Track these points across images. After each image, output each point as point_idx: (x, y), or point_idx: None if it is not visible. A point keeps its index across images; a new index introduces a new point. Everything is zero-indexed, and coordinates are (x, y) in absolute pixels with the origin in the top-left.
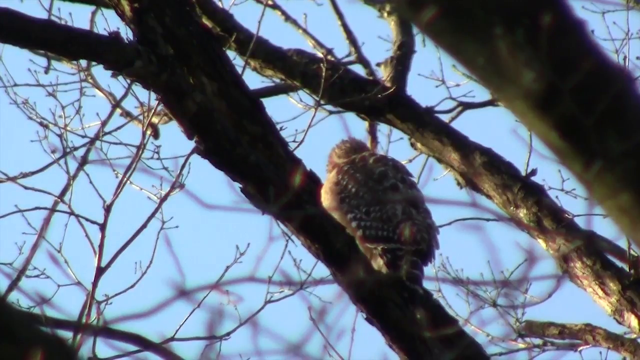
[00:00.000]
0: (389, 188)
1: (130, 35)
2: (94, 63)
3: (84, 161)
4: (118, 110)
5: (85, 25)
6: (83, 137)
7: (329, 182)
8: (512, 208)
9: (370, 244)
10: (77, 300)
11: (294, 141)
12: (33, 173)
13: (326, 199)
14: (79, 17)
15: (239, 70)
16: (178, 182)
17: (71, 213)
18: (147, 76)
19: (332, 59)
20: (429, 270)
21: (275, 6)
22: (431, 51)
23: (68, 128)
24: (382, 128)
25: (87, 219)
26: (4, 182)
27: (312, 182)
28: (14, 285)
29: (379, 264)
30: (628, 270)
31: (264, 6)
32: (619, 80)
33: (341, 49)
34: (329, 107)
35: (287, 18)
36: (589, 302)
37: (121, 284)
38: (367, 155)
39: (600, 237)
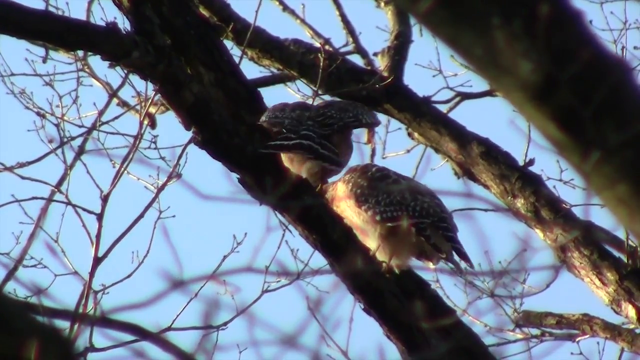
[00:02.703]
0: (391, 183)
1: (128, 26)
2: (91, 53)
3: (81, 151)
4: (115, 100)
5: (83, 16)
6: (80, 126)
7: (341, 194)
8: (509, 198)
9: (392, 223)
10: (74, 290)
11: None
12: (30, 163)
13: (347, 207)
14: (76, 8)
15: (237, 60)
16: (175, 172)
17: (68, 203)
18: (145, 67)
19: (330, 48)
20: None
21: None
22: (428, 41)
23: (65, 118)
24: (380, 118)
25: (84, 209)
26: (1, 172)
27: None
28: (11, 275)
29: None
30: (626, 261)
31: None
32: (617, 71)
33: (339, 39)
34: (327, 97)
35: (285, 8)
36: (586, 292)
37: (118, 273)
38: (367, 164)
39: (598, 227)
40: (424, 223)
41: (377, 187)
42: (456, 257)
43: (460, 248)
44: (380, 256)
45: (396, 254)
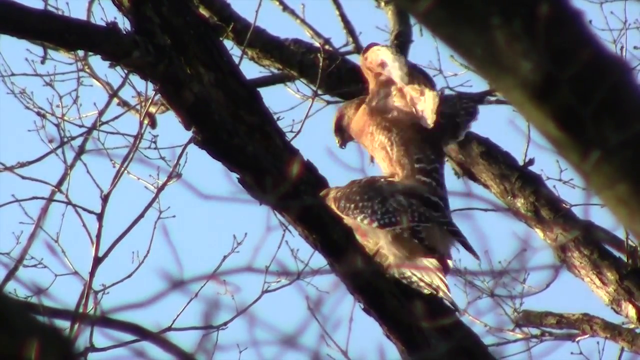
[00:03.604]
0: (384, 182)
1: (128, 26)
2: (91, 53)
3: (81, 151)
4: (115, 100)
5: (83, 16)
6: (80, 126)
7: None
8: (509, 198)
9: (390, 228)
10: (74, 290)
11: (291, 131)
12: (30, 163)
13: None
14: (76, 8)
15: (236, 60)
16: (175, 172)
17: (68, 203)
18: (145, 66)
19: (330, 48)
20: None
21: None
22: (428, 41)
23: (65, 118)
24: None
25: (84, 209)
26: (1, 172)
27: (310, 172)
28: (11, 275)
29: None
30: (626, 260)
31: None
32: (617, 71)
33: (339, 39)
34: (327, 97)
35: (285, 8)
36: (586, 292)
37: (118, 273)
38: (353, 181)
39: (597, 227)
40: (419, 226)
41: (367, 190)
42: (456, 263)
43: (466, 241)
44: (384, 258)
45: (399, 257)
